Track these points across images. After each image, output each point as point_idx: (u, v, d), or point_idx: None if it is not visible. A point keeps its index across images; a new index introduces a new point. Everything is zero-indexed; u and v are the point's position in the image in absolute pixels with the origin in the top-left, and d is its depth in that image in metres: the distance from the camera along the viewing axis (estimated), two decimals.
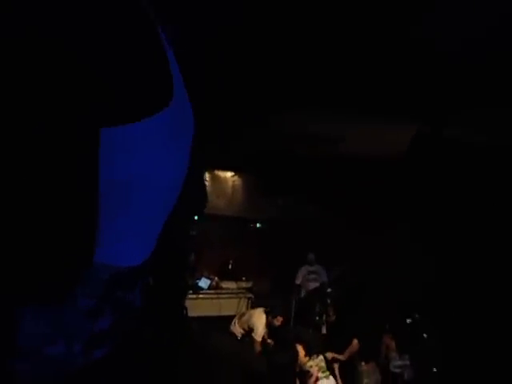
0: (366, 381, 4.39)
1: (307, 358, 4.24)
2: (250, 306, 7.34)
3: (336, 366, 4.67)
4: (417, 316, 4.95)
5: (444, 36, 2.93)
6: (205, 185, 1.13)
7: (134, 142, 0.61)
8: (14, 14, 0.50)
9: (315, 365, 4.18)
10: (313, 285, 6.93)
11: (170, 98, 0.65)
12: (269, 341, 5.33)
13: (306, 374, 4.19)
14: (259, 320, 5.25)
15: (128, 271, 0.69)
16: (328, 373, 4.21)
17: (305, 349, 4.26)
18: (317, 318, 5.61)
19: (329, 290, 6.12)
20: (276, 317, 5.33)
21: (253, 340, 5.19)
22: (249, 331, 5.23)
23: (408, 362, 4.57)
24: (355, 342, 4.79)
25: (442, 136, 3.95)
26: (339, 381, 4.35)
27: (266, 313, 5.35)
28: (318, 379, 4.15)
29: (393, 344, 4.67)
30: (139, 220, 0.68)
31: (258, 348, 5.19)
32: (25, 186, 0.51)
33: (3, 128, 0.50)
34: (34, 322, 0.57)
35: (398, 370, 4.58)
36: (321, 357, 4.27)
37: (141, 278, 0.75)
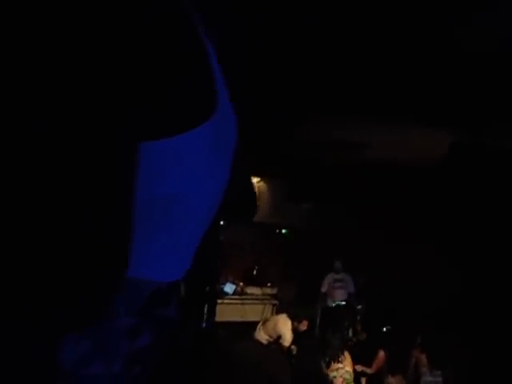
0: None
1: (332, 368, 4.18)
2: (274, 312, 7.29)
3: (364, 379, 4.58)
4: (447, 330, 4.80)
5: (481, 37, 2.85)
6: (255, 193, 1.11)
7: (176, 155, 0.59)
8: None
9: (339, 375, 4.11)
10: (339, 292, 6.83)
11: (214, 109, 0.64)
12: (292, 347, 5.28)
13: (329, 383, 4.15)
14: (285, 326, 5.20)
15: (167, 287, 0.68)
16: (349, 380, 4.15)
17: (327, 364, 4.21)
18: (345, 333, 5.48)
19: (359, 306, 6.01)
20: (301, 321, 5.27)
21: (280, 346, 5.14)
22: (276, 338, 5.19)
23: (440, 379, 4.41)
24: (381, 354, 4.69)
25: (482, 144, 3.83)
26: None
27: (291, 318, 5.28)
28: None
29: (423, 358, 4.52)
30: (181, 236, 0.68)
31: (285, 353, 5.14)
32: (60, 196, 0.51)
33: (42, 137, 0.50)
34: (74, 342, 0.57)
35: None
36: (347, 368, 4.18)
37: (175, 291, 0.74)
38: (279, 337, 5.14)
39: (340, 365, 4.20)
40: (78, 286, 0.53)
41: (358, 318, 5.91)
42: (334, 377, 4.13)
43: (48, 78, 0.49)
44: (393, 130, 4.55)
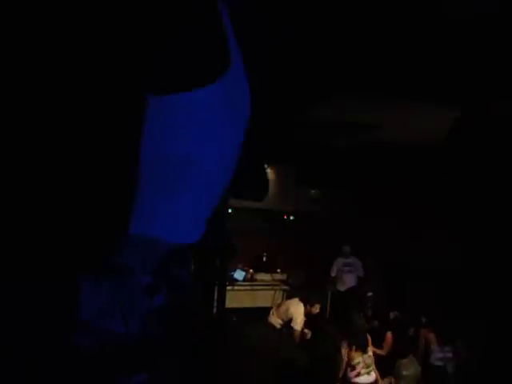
0: (404, 373, 4.29)
1: (356, 354, 4.16)
2: (285, 297, 7.34)
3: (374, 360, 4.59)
4: (455, 308, 4.81)
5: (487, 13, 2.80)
6: (265, 171, 1.10)
7: (188, 113, 0.60)
8: None
9: (363, 361, 4.13)
10: (348, 276, 6.84)
11: (225, 70, 0.63)
12: (305, 330, 5.32)
13: (349, 368, 4.15)
14: (297, 309, 5.23)
15: (182, 248, 0.69)
16: (371, 368, 4.16)
17: (350, 346, 4.19)
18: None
19: (370, 293, 6.00)
20: (314, 305, 5.31)
21: (292, 330, 5.18)
22: (287, 322, 5.22)
23: (450, 355, 4.44)
24: (389, 335, 4.70)
25: (489, 118, 3.78)
26: (377, 375, 4.28)
27: (303, 302, 5.32)
28: (359, 374, 4.11)
29: (432, 336, 4.54)
30: (196, 197, 0.68)
31: (297, 338, 5.17)
32: (67, 145, 0.51)
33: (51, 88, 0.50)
34: (92, 296, 0.58)
35: (439, 363, 4.46)
36: (370, 353, 4.20)
37: (190, 257, 0.75)
38: (290, 320, 5.18)
39: (363, 354, 4.19)
40: (85, 232, 0.53)
41: (369, 304, 5.92)
42: (358, 362, 4.13)
43: (58, 26, 0.49)
44: (404, 112, 4.51)
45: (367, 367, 4.13)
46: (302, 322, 5.21)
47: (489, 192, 4.83)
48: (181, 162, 0.62)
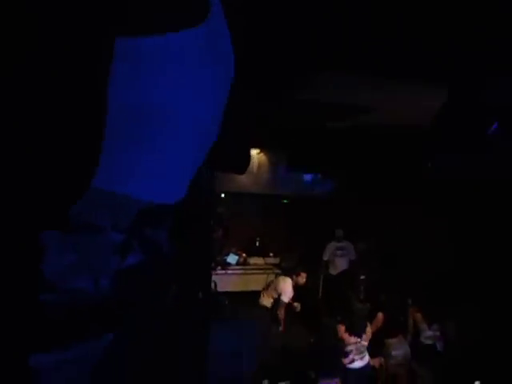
0: (394, 353, 4.33)
1: (351, 339, 4.14)
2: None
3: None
4: (444, 287, 4.86)
5: None
6: (248, 143, 1.06)
7: (165, 58, 0.56)
8: None
9: (356, 348, 4.13)
10: (341, 260, 6.88)
11: (204, 16, 0.60)
12: (295, 304, 5.41)
13: (343, 354, 4.13)
14: (286, 283, 5.33)
15: (157, 209, 0.66)
16: (364, 354, 4.16)
17: (348, 328, 4.16)
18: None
19: (362, 277, 6.03)
20: (299, 274, 5.42)
21: (280, 305, 5.24)
22: (278, 298, 5.29)
23: (438, 333, 4.49)
24: (380, 315, 4.72)
25: (478, 101, 3.76)
26: (369, 358, 4.30)
27: (290, 276, 5.45)
28: (353, 360, 4.12)
29: (419, 316, 4.59)
30: (171, 155, 0.64)
31: (282, 312, 5.25)
32: (32, 92, 0.48)
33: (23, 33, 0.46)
34: (59, 254, 0.55)
35: (429, 342, 4.51)
36: (364, 342, 4.17)
37: (168, 220, 0.72)
38: (280, 294, 5.23)
39: (359, 339, 4.17)
40: (47, 185, 0.50)
41: (362, 288, 5.95)
42: (351, 350, 4.10)
43: None
44: (397, 93, 4.47)
45: (360, 353, 4.14)
46: (291, 295, 5.30)
47: (479, 178, 4.85)
48: (157, 112, 0.58)
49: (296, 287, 5.39)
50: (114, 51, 0.50)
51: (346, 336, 4.12)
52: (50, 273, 0.54)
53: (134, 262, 0.63)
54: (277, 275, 7.37)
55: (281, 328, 5.33)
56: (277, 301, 5.30)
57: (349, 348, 4.09)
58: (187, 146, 0.67)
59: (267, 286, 5.66)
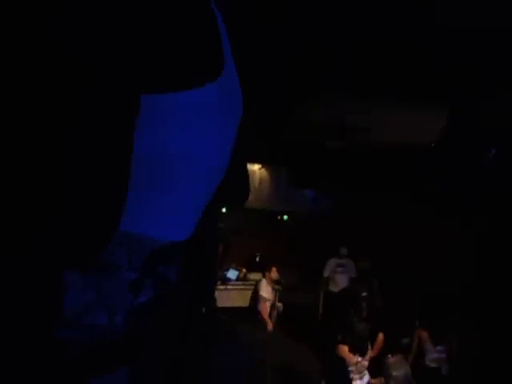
0: (394, 373, 4.29)
1: (353, 359, 4.12)
2: (277, 297, 7.36)
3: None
4: (450, 308, 4.83)
5: (476, 15, 2.83)
6: (248, 176, 1.10)
7: (182, 112, 0.60)
8: None
9: (356, 368, 4.10)
10: (341, 277, 6.87)
11: (220, 71, 0.65)
12: (278, 304, 5.50)
13: (343, 373, 4.11)
14: (261, 281, 5.78)
15: (169, 247, 0.70)
16: (364, 373, 4.14)
17: (351, 349, 4.14)
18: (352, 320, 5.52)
19: (364, 293, 6.02)
20: (271, 269, 5.80)
21: (260, 300, 5.53)
22: (256, 295, 5.60)
23: (444, 355, 4.44)
24: (381, 336, 4.70)
25: (478, 121, 3.81)
26: (369, 377, 4.27)
27: (263, 274, 5.85)
28: (352, 379, 4.09)
29: (425, 335, 4.55)
30: (184, 196, 0.69)
31: (264, 308, 5.50)
32: (57, 140, 0.51)
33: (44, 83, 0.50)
34: (78, 291, 0.58)
35: (434, 365, 4.46)
36: (365, 362, 4.15)
37: (179, 256, 0.76)
38: (258, 291, 5.63)
39: (360, 358, 4.13)
40: (76, 228, 0.54)
41: (364, 305, 5.93)
42: (352, 371, 4.07)
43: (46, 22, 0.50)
44: (394, 112, 4.54)
45: (360, 373, 4.12)
46: (269, 291, 5.67)
47: (480, 194, 4.87)
48: (172, 161, 0.63)
49: (272, 281, 5.81)
50: (139, 107, 0.55)
51: (348, 356, 4.10)
52: (69, 310, 0.58)
53: (146, 299, 0.66)
54: (276, 292, 7.40)
55: (269, 327, 5.43)
56: (256, 298, 5.41)
57: (350, 368, 4.07)
58: (197, 187, 0.71)
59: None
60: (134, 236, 0.63)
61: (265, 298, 5.60)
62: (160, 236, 0.68)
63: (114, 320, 0.62)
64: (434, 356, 4.46)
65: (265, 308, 5.60)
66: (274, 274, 5.84)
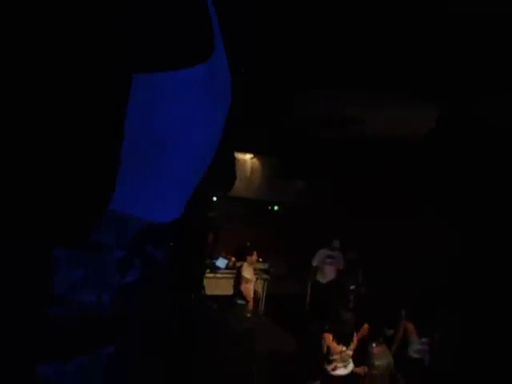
0: (377, 363, 4.35)
1: (338, 347, 4.15)
2: (265, 287, 7.41)
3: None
4: (436, 301, 4.90)
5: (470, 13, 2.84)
6: (234, 163, 1.11)
7: (171, 93, 0.61)
8: None
9: (340, 358, 4.16)
10: (329, 268, 6.91)
11: (210, 54, 0.65)
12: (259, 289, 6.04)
13: (327, 361, 4.17)
14: (243, 264, 6.04)
15: (158, 227, 0.71)
16: (347, 362, 4.20)
17: (335, 337, 4.19)
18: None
19: (352, 287, 6.09)
20: (252, 253, 6.11)
21: (242, 280, 5.80)
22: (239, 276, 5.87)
23: (427, 347, 4.53)
24: (365, 326, 4.77)
25: (468, 117, 3.85)
26: (353, 366, 4.33)
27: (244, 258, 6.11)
28: (336, 368, 4.16)
29: (411, 327, 4.62)
30: (173, 178, 0.70)
31: (247, 288, 5.77)
32: (53, 116, 0.52)
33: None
34: (67, 269, 0.60)
35: (417, 356, 4.54)
36: (350, 351, 4.19)
37: (167, 238, 0.77)
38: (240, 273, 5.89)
39: (345, 348, 4.17)
40: (66, 206, 0.55)
41: (351, 297, 6.00)
42: (335, 359, 4.14)
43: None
44: (388, 106, 4.55)
45: (344, 361, 4.18)
46: (251, 272, 5.95)
47: (470, 190, 4.93)
48: (162, 141, 0.64)
49: (253, 263, 6.16)
50: (130, 86, 0.56)
51: (333, 344, 4.16)
52: (58, 286, 0.59)
53: (134, 277, 0.67)
54: (265, 281, 7.46)
55: (249, 307, 5.60)
56: (238, 280, 5.80)
57: (334, 356, 4.13)
58: (187, 170, 0.72)
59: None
60: (122, 216, 0.64)
61: (247, 278, 5.85)
62: (149, 216, 0.69)
63: (102, 298, 0.63)
64: (417, 347, 4.55)
65: (248, 288, 5.76)
66: (255, 257, 6.20)
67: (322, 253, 6.94)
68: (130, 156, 0.61)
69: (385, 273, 6.13)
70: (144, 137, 0.62)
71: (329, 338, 4.18)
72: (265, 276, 7.54)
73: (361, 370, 4.32)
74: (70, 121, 0.52)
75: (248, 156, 8.00)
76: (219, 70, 0.71)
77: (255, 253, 6.22)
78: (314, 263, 6.95)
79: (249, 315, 5.90)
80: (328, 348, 4.19)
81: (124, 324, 0.67)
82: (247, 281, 5.83)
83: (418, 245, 5.79)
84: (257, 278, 7.04)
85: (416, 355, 4.55)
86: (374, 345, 4.38)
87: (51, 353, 0.60)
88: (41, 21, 0.52)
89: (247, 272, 5.90)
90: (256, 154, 7.91)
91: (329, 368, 4.15)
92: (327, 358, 4.17)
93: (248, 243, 7.90)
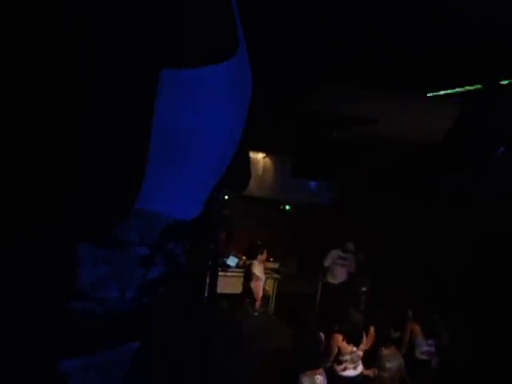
0: (388, 365, 4.33)
1: (348, 348, 4.13)
2: (276, 286, 7.41)
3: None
4: (444, 302, 4.87)
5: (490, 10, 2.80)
6: (249, 163, 1.11)
7: (198, 89, 0.61)
8: None
9: (351, 358, 4.14)
10: (340, 270, 6.88)
11: (235, 51, 0.66)
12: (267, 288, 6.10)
13: (336, 363, 4.15)
14: (253, 261, 6.01)
15: (180, 225, 0.71)
16: (357, 363, 4.18)
17: (345, 338, 4.17)
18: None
19: (364, 288, 6.05)
20: (263, 252, 6.10)
21: (252, 278, 5.78)
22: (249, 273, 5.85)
23: (434, 349, 4.49)
24: (372, 330, 4.74)
25: (483, 117, 3.79)
26: (363, 368, 4.31)
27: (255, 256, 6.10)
28: (346, 369, 4.14)
29: (417, 329, 4.60)
30: (197, 174, 0.70)
31: (256, 286, 5.74)
32: (78, 116, 0.52)
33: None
34: (92, 265, 0.60)
35: (425, 357, 4.51)
36: (360, 352, 4.19)
37: (187, 234, 0.77)
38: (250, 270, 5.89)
39: (355, 348, 4.15)
40: (93, 203, 0.55)
41: (363, 298, 5.96)
42: (346, 360, 4.12)
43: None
44: (402, 106, 4.52)
45: (354, 362, 4.17)
46: (261, 270, 5.96)
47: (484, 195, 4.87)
48: (187, 137, 0.64)
49: (263, 262, 6.17)
50: (159, 82, 0.56)
51: (343, 345, 4.14)
52: (82, 282, 0.59)
53: (157, 274, 0.68)
54: (275, 280, 7.45)
55: (257, 306, 5.60)
56: (249, 277, 5.77)
57: (344, 357, 4.12)
58: (209, 169, 0.72)
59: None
60: (147, 213, 0.65)
61: (258, 276, 5.82)
62: (172, 213, 0.69)
63: (125, 294, 0.63)
64: (425, 349, 4.52)
65: (258, 286, 5.77)
66: (265, 255, 6.20)
67: (334, 254, 6.91)
68: (156, 153, 0.61)
69: (392, 274, 6.09)
70: (170, 134, 0.62)
71: (339, 338, 4.17)
72: (275, 275, 7.54)
73: (371, 372, 4.30)
74: (98, 117, 0.53)
75: (260, 155, 7.99)
76: (242, 67, 0.71)
77: (265, 251, 6.22)
78: (326, 263, 6.92)
79: (257, 314, 5.92)
80: (338, 348, 4.16)
81: (148, 320, 0.67)
82: (257, 278, 5.84)
83: (427, 246, 5.74)
84: (267, 277, 7.04)
85: (423, 357, 4.53)
86: (383, 347, 4.35)
87: (75, 348, 0.61)
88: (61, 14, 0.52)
89: (257, 270, 5.90)
90: (268, 153, 7.91)
91: (338, 369, 4.13)
92: (337, 358, 4.15)
93: (259, 242, 7.92)
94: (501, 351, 4.29)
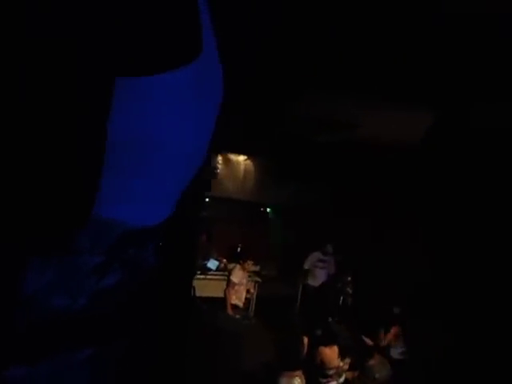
0: (377, 375, 4.30)
1: (335, 362, 4.00)
2: (256, 289, 7.39)
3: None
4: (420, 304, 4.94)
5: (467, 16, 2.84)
6: (211, 161, 1.09)
7: (157, 95, 0.59)
8: None
9: (335, 373, 4.05)
10: (320, 272, 6.92)
11: (196, 55, 0.63)
12: (252, 290, 6.26)
13: (322, 375, 4.07)
14: (234, 267, 6.07)
15: (142, 230, 0.69)
16: (341, 376, 4.11)
17: (340, 351, 4.05)
18: (330, 319, 5.52)
19: (348, 289, 6.09)
20: (246, 261, 6.15)
21: (230, 284, 5.82)
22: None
23: (404, 353, 4.58)
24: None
25: (467, 125, 3.84)
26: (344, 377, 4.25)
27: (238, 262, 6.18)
28: (329, 382, 4.06)
29: (396, 330, 4.67)
30: (158, 181, 0.68)
31: (229, 290, 5.73)
32: (33, 124, 0.50)
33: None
34: (40, 271, 0.57)
35: (401, 357, 4.58)
36: (346, 366, 4.08)
37: (154, 239, 0.75)
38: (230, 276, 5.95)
39: (341, 363, 4.04)
40: (44, 214, 0.52)
41: (342, 298, 5.99)
42: (331, 375, 3.98)
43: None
44: (383, 110, 4.56)
45: (339, 376, 4.05)
46: (241, 277, 6.00)
47: (463, 196, 4.94)
48: (145, 145, 0.62)
49: (246, 269, 6.19)
50: (113, 89, 0.53)
51: (329, 359, 4.02)
52: (28, 290, 0.56)
53: (114, 281, 0.65)
54: (256, 283, 7.43)
55: (228, 311, 5.64)
56: (228, 281, 5.85)
57: (330, 372, 4.01)
58: (172, 173, 0.70)
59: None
60: (100, 220, 0.62)
61: (234, 282, 5.83)
62: (132, 220, 0.66)
63: (78, 302, 0.60)
64: (401, 350, 4.59)
65: (230, 292, 5.81)
66: (249, 265, 6.19)
67: (315, 256, 6.94)
68: (114, 162, 0.59)
69: (372, 275, 6.14)
70: (127, 140, 0.59)
71: (326, 352, 4.09)
72: (256, 278, 7.52)
73: (351, 374, 4.27)
74: (51, 124, 0.50)
75: (241, 158, 7.98)
76: (208, 72, 0.69)
77: (249, 261, 6.24)
78: (306, 266, 6.95)
79: (238, 317, 5.89)
80: (324, 362, 4.08)
81: (102, 328, 0.64)
82: (234, 285, 5.83)
83: (406, 250, 5.79)
84: (248, 280, 7.02)
85: (400, 357, 4.59)
86: (368, 358, 4.30)
87: (22, 355, 0.57)
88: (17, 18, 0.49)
89: (235, 275, 5.91)
90: (249, 155, 7.90)
91: (322, 381, 4.04)
92: (323, 371, 4.05)
93: (239, 245, 7.90)
94: (478, 352, 4.35)
